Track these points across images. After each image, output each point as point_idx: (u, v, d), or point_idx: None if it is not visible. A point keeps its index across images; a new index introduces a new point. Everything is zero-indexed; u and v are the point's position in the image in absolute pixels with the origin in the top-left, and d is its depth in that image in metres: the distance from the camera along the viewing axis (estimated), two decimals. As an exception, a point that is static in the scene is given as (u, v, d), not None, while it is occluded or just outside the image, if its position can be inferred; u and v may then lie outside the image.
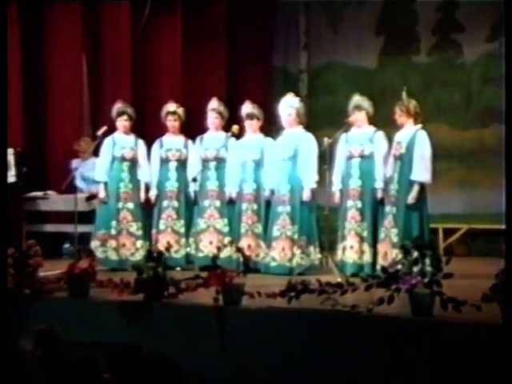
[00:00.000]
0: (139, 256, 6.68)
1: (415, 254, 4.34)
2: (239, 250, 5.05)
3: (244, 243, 6.67)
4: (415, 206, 6.10)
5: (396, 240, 6.02)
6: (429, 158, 6.19)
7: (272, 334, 4.54)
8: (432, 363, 4.12)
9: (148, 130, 7.86)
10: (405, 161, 6.18)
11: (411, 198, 6.08)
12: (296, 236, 6.53)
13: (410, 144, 6.17)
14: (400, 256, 4.76)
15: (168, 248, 5.40)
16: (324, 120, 8.54)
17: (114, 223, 6.87)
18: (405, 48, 9.28)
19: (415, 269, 4.39)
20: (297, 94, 7.63)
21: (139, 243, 6.87)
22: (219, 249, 5.01)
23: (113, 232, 6.87)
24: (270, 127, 7.26)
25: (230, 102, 7.55)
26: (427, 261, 4.36)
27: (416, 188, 6.10)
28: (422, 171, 6.12)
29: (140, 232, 6.91)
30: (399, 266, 4.47)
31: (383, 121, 6.61)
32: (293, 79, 9.63)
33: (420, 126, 6.29)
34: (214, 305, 4.65)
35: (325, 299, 4.48)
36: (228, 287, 4.68)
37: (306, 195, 6.55)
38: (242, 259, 4.97)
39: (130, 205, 6.92)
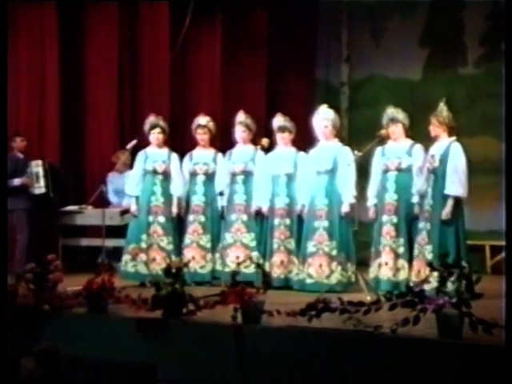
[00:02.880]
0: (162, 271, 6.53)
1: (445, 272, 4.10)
2: (259, 265, 4.87)
3: (277, 259, 6.54)
4: (450, 222, 5.82)
5: (430, 257, 5.72)
6: (463, 171, 5.90)
7: (292, 354, 4.39)
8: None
9: (186, 143, 7.76)
10: (438, 174, 5.93)
11: (445, 213, 5.81)
12: (335, 252, 6.34)
13: (443, 157, 5.93)
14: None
15: (187, 263, 5.23)
16: (365, 133, 8.30)
17: (144, 237, 6.76)
18: (451, 59, 9.04)
19: (446, 288, 4.16)
20: (338, 107, 7.48)
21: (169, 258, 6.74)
22: (239, 264, 4.82)
23: (143, 246, 6.76)
24: (311, 141, 7.07)
25: (269, 115, 7.42)
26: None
27: (450, 202, 5.82)
28: (455, 185, 5.85)
29: (171, 246, 6.78)
30: (426, 286, 4.22)
31: (427, 135, 6.34)
32: (334, 92, 9.48)
33: (454, 138, 6.01)
34: (232, 323, 4.48)
35: (347, 319, 4.28)
36: (247, 305, 4.51)
37: (345, 210, 6.35)
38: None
39: (161, 219, 6.80)
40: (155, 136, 6.91)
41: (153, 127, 6.92)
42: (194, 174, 6.94)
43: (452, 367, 3.96)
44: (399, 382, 4.05)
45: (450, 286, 4.14)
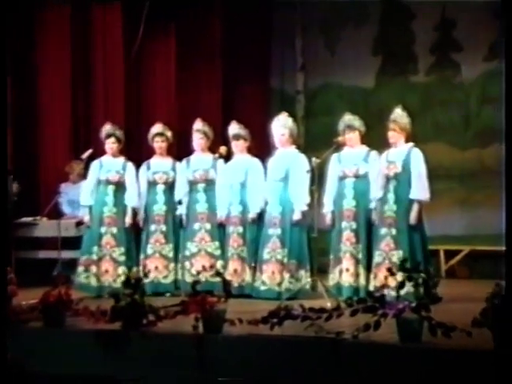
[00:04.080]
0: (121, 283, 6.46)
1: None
2: (219, 274, 4.83)
3: (230, 268, 6.50)
4: (417, 227, 5.91)
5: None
6: (425, 175, 6.02)
7: (254, 363, 4.34)
8: (420, 393, 3.89)
9: (142, 152, 7.68)
10: (401, 180, 5.99)
11: (413, 218, 5.90)
12: (286, 259, 6.37)
13: (405, 162, 6.00)
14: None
15: (146, 273, 5.18)
16: (321, 141, 8.36)
17: (95, 248, 6.69)
18: (403, 68, 9.20)
19: (404, 293, 4.20)
20: (294, 115, 7.50)
21: (121, 269, 6.66)
22: (199, 273, 4.78)
23: (94, 257, 6.68)
24: (268, 149, 7.08)
25: (226, 124, 7.40)
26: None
27: (416, 207, 5.93)
28: (420, 190, 5.96)
29: (123, 258, 6.70)
30: (385, 291, 4.24)
31: (381, 141, 6.41)
32: (290, 100, 9.53)
33: (412, 144, 6.09)
34: (193, 333, 4.42)
35: (308, 325, 4.27)
36: (208, 314, 4.47)
37: (297, 217, 6.37)
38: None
39: (114, 229, 6.73)
40: (110, 145, 6.84)
41: (108, 136, 6.85)
42: (153, 184, 6.87)
43: (413, 371, 3.97)
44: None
45: (410, 290, 4.17)
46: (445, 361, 3.91)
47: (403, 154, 6.03)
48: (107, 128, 6.88)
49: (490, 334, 3.85)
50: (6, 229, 6.64)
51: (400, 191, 5.98)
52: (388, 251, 5.93)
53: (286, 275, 6.33)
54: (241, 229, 6.63)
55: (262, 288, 6.39)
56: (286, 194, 6.45)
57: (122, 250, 6.70)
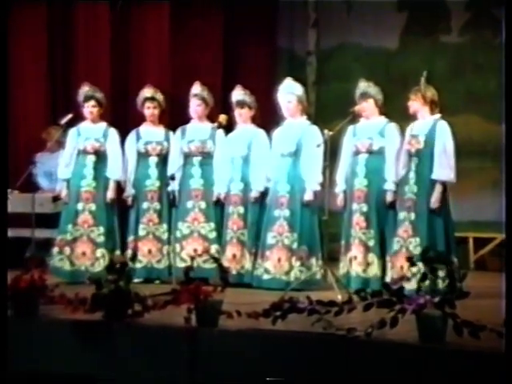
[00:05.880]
0: (99, 267, 6.55)
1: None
2: (216, 260, 4.88)
3: (229, 252, 6.54)
4: (439, 211, 5.93)
5: (418, 251, 5.78)
6: (452, 152, 6.02)
7: (253, 361, 4.39)
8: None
9: (130, 121, 7.70)
10: (423, 157, 6.01)
11: (435, 200, 5.91)
12: (295, 245, 6.40)
13: (428, 137, 6.01)
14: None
15: (133, 257, 5.24)
16: (335, 110, 8.39)
17: (69, 227, 6.72)
18: (432, 26, 9.17)
19: (426, 286, 4.25)
20: (304, 80, 7.50)
21: (100, 252, 6.71)
22: (193, 258, 4.83)
23: (68, 237, 6.72)
24: (274, 119, 7.09)
25: (225, 89, 7.42)
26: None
27: (439, 189, 5.94)
28: (444, 168, 5.96)
29: (102, 239, 6.74)
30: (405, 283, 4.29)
31: (406, 112, 6.41)
32: (300, 63, 9.57)
33: (439, 115, 6.09)
34: (185, 325, 4.47)
35: (316, 320, 4.32)
36: (202, 305, 4.52)
37: (308, 198, 6.41)
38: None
39: (93, 206, 6.77)
40: (89, 110, 6.84)
41: (87, 99, 6.83)
42: (144, 155, 6.90)
43: (433, 374, 4.02)
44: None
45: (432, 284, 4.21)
46: (471, 365, 3.93)
47: (427, 126, 6.04)
48: (86, 89, 6.87)
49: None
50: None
51: (422, 170, 5.99)
52: (406, 238, 5.96)
53: (296, 263, 6.37)
54: (242, 209, 6.67)
55: (266, 277, 6.44)
56: (295, 171, 6.48)
57: (102, 229, 6.74)
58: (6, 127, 4.94)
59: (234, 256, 6.59)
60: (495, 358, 3.89)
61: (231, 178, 6.74)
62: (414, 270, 4.97)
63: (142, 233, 6.80)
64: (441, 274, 4.19)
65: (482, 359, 3.93)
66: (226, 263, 6.43)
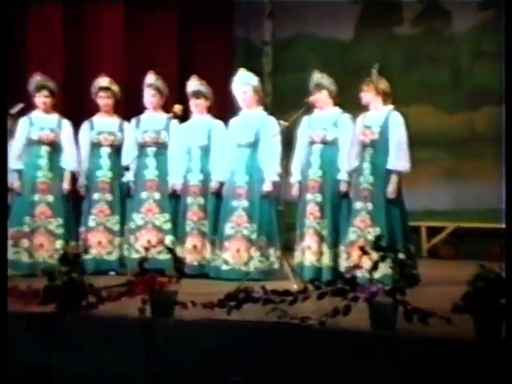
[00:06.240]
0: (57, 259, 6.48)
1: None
2: (170, 250, 4.89)
3: (189, 244, 6.53)
4: (396, 201, 6.01)
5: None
6: (405, 143, 6.10)
7: (209, 351, 4.39)
8: (393, 384, 3.99)
9: (85, 112, 7.63)
10: (378, 148, 6.07)
11: (391, 191, 5.99)
12: (254, 236, 6.43)
13: (383, 128, 6.07)
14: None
15: (86, 249, 5.22)
16: (291, 101, 8.38)
17: (27, 219, 6.67)
18: (385, 17, 9.23)
19: (378, 274, 4.30)
20: (260, 70, 7.51)
21: (59, 243, 6.67)
22: (147, 249, 4.83)
23: (26, 229, 6.66)
24: (230, 110, 7.11)
25: (180, 79, 7.40)
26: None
27: (394, 179, 6.02)
28: (399, 159, 6.04)
29: (60, 230, 6.71)
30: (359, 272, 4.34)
31: (359, 103, 6.47)
32: (256, 53, 9.55)
33: (391, 106, 6.17)
34: (140, 316, 4.47)
35: (270, 310, 4.35)
36: (157, 296, 4.52)
37: (267, 189, 6.44)
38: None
39: (50, 197, 6.72)
40: (41, 99, 6.78)
41: (39, 89, 6.78)
42: (97, 145, 6.87)
43: (385, 361, 4.07)
44: (328, 379, 4.15)
45: (388, 272, 4.25)
46: (421, 350, 3.99)
47: (381, 118, 6.10)
48: (38, 79, 6.82)
49: (473, 322, 3.96)
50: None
51: (377, 160, 6.05)
52: (363, 228, 6.02)
53: (256, 253, 6.41)
54: (202, 200, 6.69)
55: (224, 267, 6.47)
56: (253, 162, 6.51)
57: (60, 221, 6.71)
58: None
59: (195, 247, 6.61)
60: (444, 344, 3.95)
61: (189, 168, 6.74)
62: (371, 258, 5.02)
63: (91, 224, 6.77)
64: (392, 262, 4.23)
65: (430, 345, 3.98)
66: (186, 254, 6.47)
